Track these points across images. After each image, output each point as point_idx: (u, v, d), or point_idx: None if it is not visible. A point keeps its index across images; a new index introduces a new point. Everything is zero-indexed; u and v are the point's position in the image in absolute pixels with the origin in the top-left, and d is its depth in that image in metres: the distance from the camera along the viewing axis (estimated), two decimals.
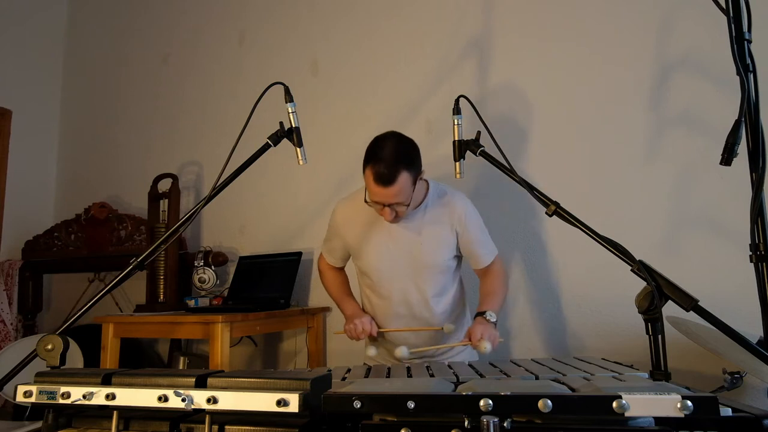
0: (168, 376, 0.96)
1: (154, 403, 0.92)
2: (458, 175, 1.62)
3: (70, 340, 1.28)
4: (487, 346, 1.62)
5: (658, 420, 0.77)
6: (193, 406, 0.90)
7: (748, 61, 1.21)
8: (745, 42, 1.22)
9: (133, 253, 2.74)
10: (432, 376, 1.33)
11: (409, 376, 1.35)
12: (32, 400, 0.99)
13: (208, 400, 0.89)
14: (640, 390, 0.78)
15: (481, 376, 1.29)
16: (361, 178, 1.75)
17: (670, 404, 0.74)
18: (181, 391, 0.90)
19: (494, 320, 1.73)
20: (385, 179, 1.62)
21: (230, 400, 0.89)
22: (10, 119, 3.46)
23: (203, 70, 3.31)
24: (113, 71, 3.65)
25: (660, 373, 1.09)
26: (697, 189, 2.07)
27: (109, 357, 2.41)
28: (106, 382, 0.98)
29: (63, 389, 0.97)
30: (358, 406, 0.82)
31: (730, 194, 1.97)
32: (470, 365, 1.48)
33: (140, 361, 2.96)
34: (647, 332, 1.12)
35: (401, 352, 1.72)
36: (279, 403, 0.85)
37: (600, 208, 2.16)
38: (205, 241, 3.12)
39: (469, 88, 2.47)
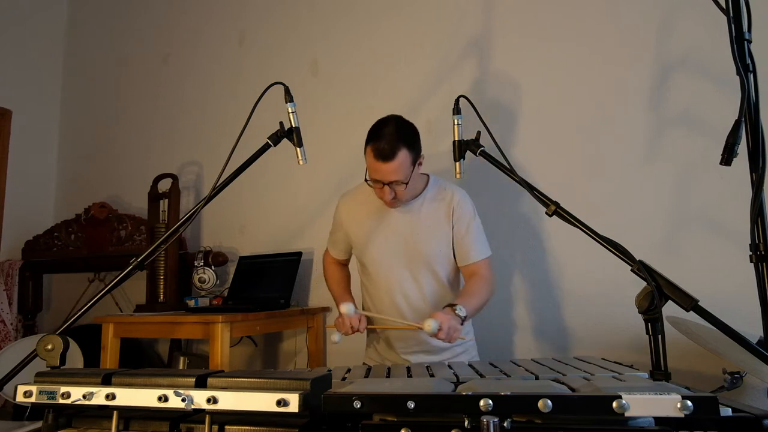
0: (168, 376, 0.96)
1: (154, 403, 0.92)
2: (458, 175, 1.62)
3: (70, 340, 1.28)
4: (432, 325, 1.55)
5: (658, 420, 0.77)
6: (193, 406, 0.90)
7: (748, 61, 1.21)
8: (745, 42, 1.22)
9: (133, 253, 2.74)
10: (432, 376, 1.33)
11: (409, 376, 1.35)
12: (32, 400, 0.99)
13: (208, 400, 0.89)
14: (640, 390, 0.78)
15: (481, 376, 1.29)
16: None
17: (670, 404, 0.74)
18: (181, 391, 0.90)
19: (463, 315, 1.65)
20: (384, 154, 1.65)
21: (230, 400, 0.89)
22: (10, 119, 3.46)
23: (203, 70, 3.31)
24: (113, 71, 3.65)
25: (660, 373, 1.09)
26: (697, 189, 2.07)
27: (109, 357, 2.41)
28: (106, 382, 0.98)
29: (63, 389, 0.97)
30: (358, 406, 0.82)
31: (730, 194, 1.97)
32: (470, 365, 1.48)
33: (140, 361, 2.96)
34: (647, 332, 1.12)
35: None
36: (279, 403, 0.85)
37: (600, 208, 2.16)
38: (205, 241, 3.12)
39: (469, 88, 2.47)
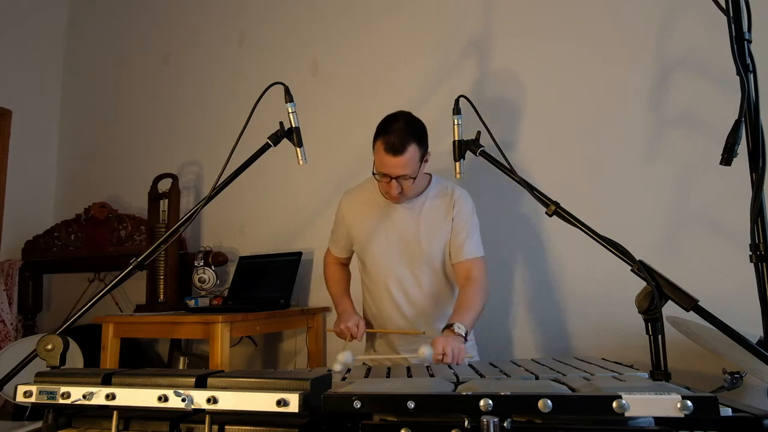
0: (168, 376, 0.96)
1: (154, 403, 0.92)
2: (458, 175, 1.62)
3: (70, 340, 1.28)
4: (426, 352, 1.50)
5: (658, 420, 0.77)
6: (193, 406, 0.90)
7: (748, 61, 1.21)
8: (745, 42, 1.22)
9: (133, 253, 2.73)
10: (432, 376, 1.33)
11: (409, 376, 1.35)
12: (32, 400, 0.99)
13: (208, 400, 0.89)
14: (640, 390, 0.78)
15: (481, 376, 1.29)
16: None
17: (670, 404, 0.74)
18: (181, 391, 0.90)
19: (463, 333, 1.59)
20: (395, 148, 1.67)
21: (230, 400, 0.89)
22: (10, 119, 3.46)
23: (203, 70, 3.31)
24: (113, 71, 3.65)
25: (660, 373, 1.09)
26: (697, 189, 2.07)
27: (109, 357, 2.41)
28: (106, 382, 0.98)
29: (63, 389, 0.97)
30: (358, 406, 0.82)
31: (730, 194, 1.97)
32: (470, 365, 1.48)
33: (140, 361, 2.96)
34: (647, 332, 1.12)
35: (344, 357, 1.54)
36: (279, 403, 0.85)
37: (600, 208, 2.16)
38: (205, 241, 3.12)
39: (469, 88, 2.47)
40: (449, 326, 1.61)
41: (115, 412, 0.95)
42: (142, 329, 2.55)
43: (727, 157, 1.21)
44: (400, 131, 1.68)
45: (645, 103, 2.18)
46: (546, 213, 1.37)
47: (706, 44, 2.07)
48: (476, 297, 1.73)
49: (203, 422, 0.91)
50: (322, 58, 2.93)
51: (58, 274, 3.48)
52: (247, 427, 0.92)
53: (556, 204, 1.36)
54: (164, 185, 2.99)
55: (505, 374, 1.30)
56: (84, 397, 0.96)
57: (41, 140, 3.68)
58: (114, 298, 3.21)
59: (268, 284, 2.70)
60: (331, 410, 0.84)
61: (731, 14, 1.23)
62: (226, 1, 3.27)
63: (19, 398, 1.00)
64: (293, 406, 0.85)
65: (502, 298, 2.33)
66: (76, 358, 2.48)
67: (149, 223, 2.98)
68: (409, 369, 1.45)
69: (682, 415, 0.73)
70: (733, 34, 1.22)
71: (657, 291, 1.10)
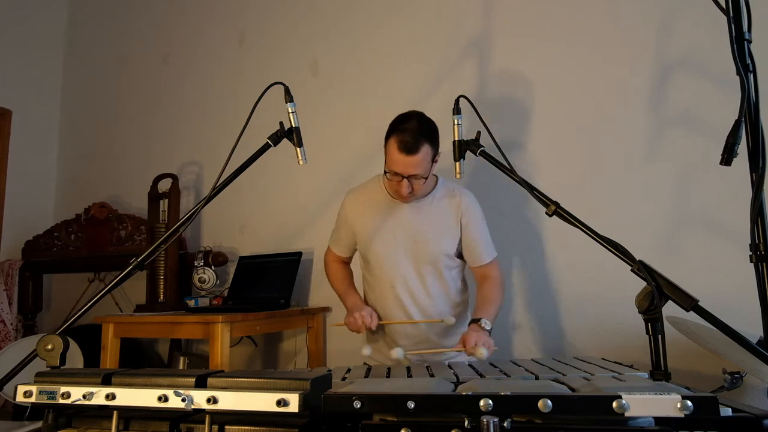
0: (168, 376, 0.96)
1: (154, 403, 0.92)
2: (458, 175, 1.62)
3: (70, 340, 1.28)
4: (484, 352, 1.61)
5: (658, 420, 0.77)
6: (193, 406, 0.90)
7: (748, 61, 1.21)
8: (745, 42, 1.22)
9: (133, 253, 2.74)
10: (432, 376, 1.33)
11: (409, 376, 1.35)
12: (32, 400, 0.99)
13: (208, 400, 0.89)
14: (640, 390, 0.78)
15: (481, 376, 1.29)
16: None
17: (670, 404, 0.74)
18: (181, 391, 0.90)
19: (489, 328, 1.73)
20: (409, 147, 1.67)
21: (230, 400, 0.89)
22: (10, 119, 3.46)
23: (203, 70, 3.31)
24: (113, 71, 3.65)
25: (660, 373, 1.09)
26: (697, 189, 2.07)
27: (109, 357, 2.41)
28: (106, 382, 0.98)
29: (63, 389, 0.97)
30: (358, 406, 0.82)
31: (730, 194, 1.97)
32: (470, 365, 1.48)
33: (140, 361, 2.96)
34: (647, 332, 1.12)
35: (397, 353, 1.72)
36: (279, 403, 0.85)
37: (600, 208, 2.16)
38: (205, 241, 3.12)
39: (469, 88, 2.47)
40: (475, 321, 1.74)
41: (115, 412, 0.95)
42: (142, 329, 2.55)
43: (727, 157, 1.21)
44: (414, 131, 1.69)
45: (645, 103, 2.18)
46: (546, 213, 1.37)
47: (706, 44, 2.07)
48: (497, 295, 1.87)
49: (203, 422, 0.91)
50: (322, 58, 2.93)
51: (58, 274, 3.48)
52: (247, 427, 0.92)
53: (556, 204, 1.36)
54: (164, 185, 2.99)
55: (505, 374, 1.30)
56: (84, 397, 0.96)
57: (41, 140, 3.68)
58: (114, 298, 3.21)
59: (268, 284, 2.70)
60: (331, 410, 0.84)
61: (731, 14, 1.23)
62: (226, 1, 3.27)
63: (19, 398, 1.00)
64: (293, 406, 0.85)
65: None
66: (76, 358, 2.49)
67: (149, 223, 2.98)
68: (409, 369, 1.45)
69: (682, 415, 0.73)
70: (733, 34, 1.22)
71: (657, 291, 1.10)
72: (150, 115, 3.45)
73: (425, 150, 1.69)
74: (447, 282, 1.91)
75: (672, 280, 1.12)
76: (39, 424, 1.05)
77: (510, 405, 0.78)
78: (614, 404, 0.75)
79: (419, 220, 1.86)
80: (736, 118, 1.21)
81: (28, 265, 3.23)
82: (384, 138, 1.77)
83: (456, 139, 1.62)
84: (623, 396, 0.75)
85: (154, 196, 2.98)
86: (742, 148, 1.21)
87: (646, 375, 1.16)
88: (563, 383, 1.01)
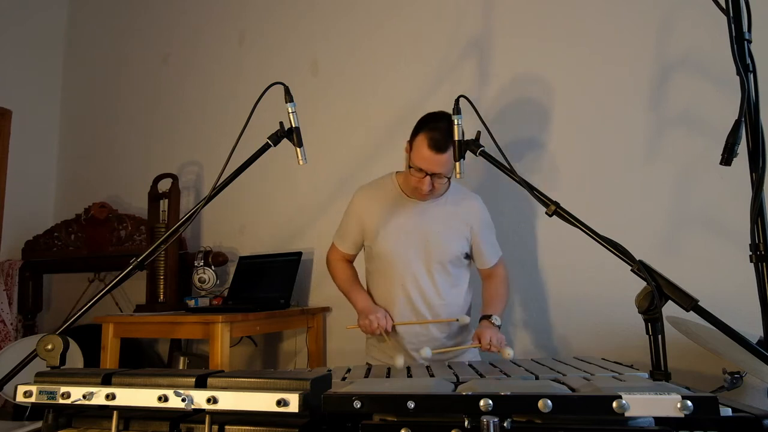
0: (168, 376, 0.96)
1: (154, 403, 0.92)
2: (458, 175, 1.62)
3: (70, 340, 1.28)
4: (510, 352, 1.64)
5: (658, 420, 0.77)
6: (193, 406, 0.90)
7: (748, 61, 1.21)
8: (745, 42, 1.22)
9: (133, 253, 2.74)
10: (432, 376, 1.33)
11: (409, 376, 1.35)
12: (32, 400, 0.99)
13: (208, 400, 0.89)
14: (640, 390, 0.78)
15: (481, 376, 1.29)
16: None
17: (670, 404, 0.74)
18: (181, 391, 0.90)
19: (499, 324, 1.81)
20: (439, 145, 1.71)
21: (230, 400, 0.89)
22: (10, 119, 3.46)
23: (203, 70, 3.31)
24: (113, 71, 3.65)
25: (660, 373, 1.09)
26: (697, 189, 2.07)
27: (109, 357, 2.41)
28: (106, 382, 0.98)
29: (63, 389, 0.97)
30: (358, 406, 0.82)
31: (730, 194, 1.97)
32: (470, 365, 1.48)
33: (140, 361, 2.96)
34: (647, 332, 1.12)
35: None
36: (279, 403, 0.85)
37: (600, 208, 2.16)
38: (205, 241, 3.12)
39: (469, 88, 2.47)
40: (486, 317, 1.82)
41: (115, 412, 0.95)
42: (142, 329, 2.55)
43: (727, 157, 1.21)
44: (445, 130, 1.70)
45: (645, 103, 2.18)
46: (546, 213, 1.37)
47: (706, 44, 2.07)
48: (504, 291, 1.97)
49: (203, 422, 0.91)
50: (322, 58, 2.93)
51: (58, 274, 3.48)
52: (247, 427, 0.92)
53: (556, 204, 1.36)
54: (164, 185, 2.99)
55: (505, 374, 1.30)
56: (84, 397, 0.96)
57: (41, 140, 3.68)
58: (114, 298, 3.21)
59: (268, 284, 2.70)
60: (331, 410, 0.84)
61: (731, 14, 1.23)
62: (226, 1, 3.27)
63: (19, 398, 1.00)
64: (293, 406, 0.85)
65: None
66: (76, 358, 2.49)
67: (149, 223, 2.98)
68: (409, 369, 1.45)
69: (682, 415, 0.73)
70: (733, 34, 1.22)
71: (657, 291, 1.10)
72: (150, 115, 3.45)
73: (451, 152, 1.69)
74: (453, 281, 1.93)
75: (672, 280, 1.12)
76: (39, 424, 1.05)
77: (510, 405, 0.78)
78: (614, 404, 0.75)
79: (431, 220, 1.89)
80: (736, 118, 1.21)
81: (28, 265, 3.23)
82: (411, 134, 1.79)
83: (456, 139, 1.61)
84: (623, 396, 0.75)
85: (154, 196, 2.98)
86: (742, 148, 1.21)
87: (646, 375, 1.16)
88: (563, 383, 1.01)
